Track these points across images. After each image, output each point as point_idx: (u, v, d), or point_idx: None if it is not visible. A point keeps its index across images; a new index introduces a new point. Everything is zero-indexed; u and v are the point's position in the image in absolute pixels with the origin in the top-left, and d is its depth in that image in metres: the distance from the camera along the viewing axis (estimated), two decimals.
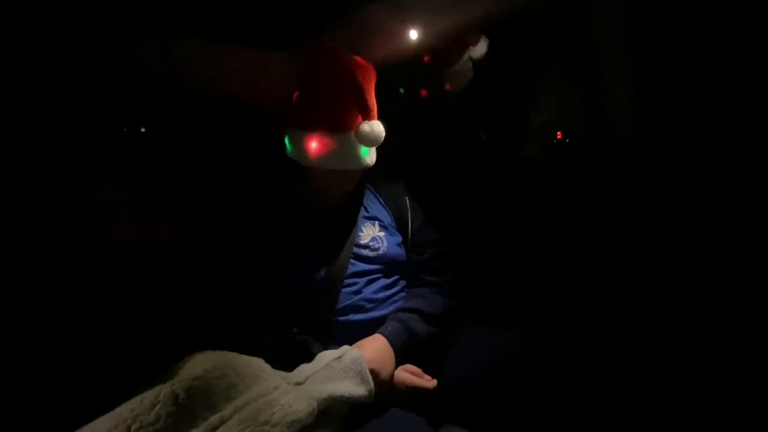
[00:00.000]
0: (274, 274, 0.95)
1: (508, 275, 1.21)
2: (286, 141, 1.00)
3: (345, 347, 0.81)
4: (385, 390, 0.82)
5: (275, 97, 1.06)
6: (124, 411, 0.52)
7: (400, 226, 1.08)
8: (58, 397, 0.73)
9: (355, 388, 0.73)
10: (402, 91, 1.38)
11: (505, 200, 1.25)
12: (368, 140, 0.95)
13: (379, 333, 0.89)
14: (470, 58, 1.22)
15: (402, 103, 1.37)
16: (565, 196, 1.15)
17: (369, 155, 1.00)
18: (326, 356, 0.77)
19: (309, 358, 0.80)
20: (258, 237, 0.98)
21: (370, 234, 1.02)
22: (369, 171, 1.06)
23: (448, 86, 1.29)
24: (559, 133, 1.24)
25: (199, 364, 0.58)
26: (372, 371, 0.79)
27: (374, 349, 0.85)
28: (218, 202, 1.06)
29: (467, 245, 1.24)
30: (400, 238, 1.06)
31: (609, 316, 1.01)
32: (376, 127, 0.95)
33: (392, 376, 0.85)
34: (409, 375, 0.86)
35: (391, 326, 0.91)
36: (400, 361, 0.88)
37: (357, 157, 0.96)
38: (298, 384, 0.66)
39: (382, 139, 0.98)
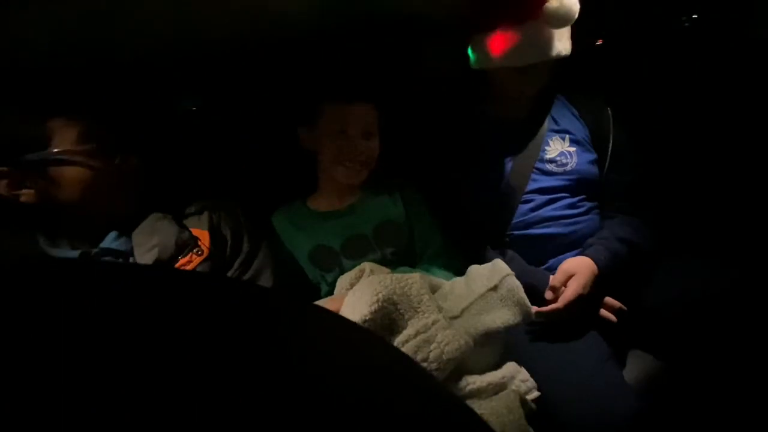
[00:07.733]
0: (455, 181, 0.96)
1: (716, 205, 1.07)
2: (469, 51, 0.93)
3: (499, 269, 0.78)
4: (583, 313, 0.83)
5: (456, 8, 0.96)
6: None
7: (598, 143, 0.96)
8: None
9: (512, 317, 0.72)
10: None
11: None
12: (558, 18, 0.81)
13: (589, 258, 0.86)
14: None
15: None
16: None
17: (561, 42, 0.86)
18: (478, 281, 0.76)
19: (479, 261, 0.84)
20: (440, 146, 0.99)
21: (558, 148, 0.95)
22: (562, 84, 0.95)
23: None
24: None
25: (365, 298, 0.64)
26: (581, 296, 0.80)
27: (585, 269, 0.84)
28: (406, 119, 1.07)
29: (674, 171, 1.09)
30: (594, 156, 0.95)
31: None
32: (566, 1, 0.80)
33: (597, 303, 0.85)
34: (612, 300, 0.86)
35: (602, 254, 0.87)
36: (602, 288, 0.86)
37: (547, 47, 0.84)
38: (455, 318, 0.69)
39: (576, 14, 0.81)
